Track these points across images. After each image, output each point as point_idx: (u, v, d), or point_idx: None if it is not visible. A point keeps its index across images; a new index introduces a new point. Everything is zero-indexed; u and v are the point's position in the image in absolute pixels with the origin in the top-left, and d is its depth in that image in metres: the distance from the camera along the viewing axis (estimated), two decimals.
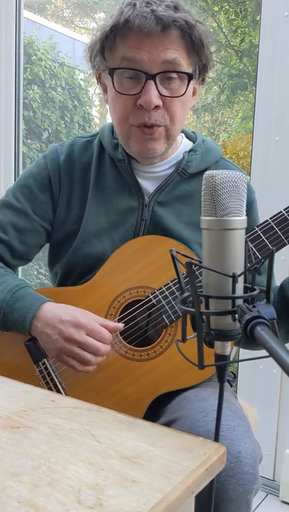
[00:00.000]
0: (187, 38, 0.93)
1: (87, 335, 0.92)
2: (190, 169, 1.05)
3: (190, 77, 0.97)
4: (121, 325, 0.98)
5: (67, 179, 1.08)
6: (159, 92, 0.94)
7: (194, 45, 0.95)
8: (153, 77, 0.93)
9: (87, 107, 4.70)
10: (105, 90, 1.05)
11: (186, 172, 1.05)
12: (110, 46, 0.95)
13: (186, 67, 0.96)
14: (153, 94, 0.93)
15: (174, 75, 0.95)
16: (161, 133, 0.98)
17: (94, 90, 5.08)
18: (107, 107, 1.06)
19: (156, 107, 0.94)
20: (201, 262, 0.60)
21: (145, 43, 0.91)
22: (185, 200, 1.06)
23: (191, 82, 0.98)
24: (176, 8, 0.92)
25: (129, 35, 0.92)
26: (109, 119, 1.09)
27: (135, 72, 0.93)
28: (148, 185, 1.06)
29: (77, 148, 1.10)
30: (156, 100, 0.93)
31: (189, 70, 0.97)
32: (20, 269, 2.60)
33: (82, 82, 4.60)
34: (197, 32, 0.93)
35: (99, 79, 1.05)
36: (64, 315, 0.93)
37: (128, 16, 0.90)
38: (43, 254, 1.17)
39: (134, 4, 0.91)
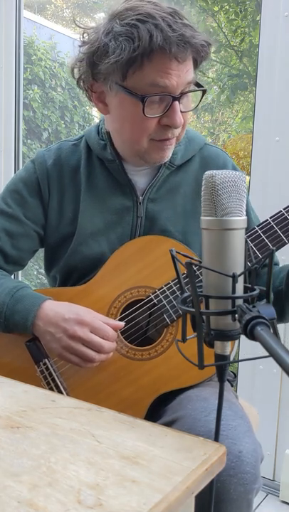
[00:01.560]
0: (198, 57, 0.95)
1: (91, 332, 0.92)
2: (176, 161, 1.07)
3: (204, 92, 1.00)
4: (122, 323, 0.98)
5: (57, 183, 1.08)
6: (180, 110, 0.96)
7: (202, 61, 0.97)
8: (178, 98, 0.94)
9: (87, 107, 4.69)
10: (98, 99, 1.02)
11: (173, 164, 1.07)
12: (135, 69, 0.92)
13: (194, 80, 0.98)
14: (180, 114, 0.95)
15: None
16: (174, 141, 1.00)
17: None
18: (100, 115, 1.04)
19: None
20: (200, 262, 0.60)
21: (174, 68, 0.92)
22: (177, 190, 1.07)
23: None
24: (189, 24, 0.92)
25: (160, 60, 0.90)
26: None
27: (162, 95, 0.94)
28: (140, 182, 1.07)
29: (65, 152, 1.10)
30: (182, 119, 0.96)
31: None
32: None
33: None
34: (210, 51, 0.97)
35: (91, 87, 1.01)
36: (67, 313, 0.94)
37: (161, 41, 0.88)
38: (43, 254, 1.17)
39: (157, 25, 0.88)
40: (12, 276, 1.13)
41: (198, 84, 0.99)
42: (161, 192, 1.07)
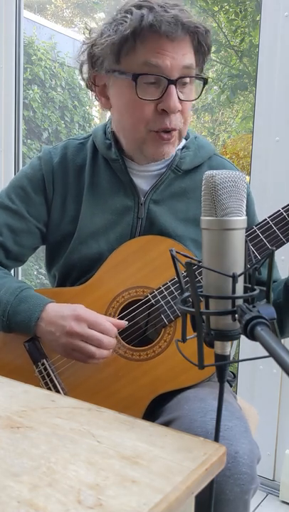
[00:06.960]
0: (197, 43, 0.95)
1: (88, 328, 0.92)
2: (183, 166, 1.06)
3: (206, 81, 0.99)
4: (124, 322, 0.97)
5: (61, 181, 1.08)
6: (178, 96, 0.95)
7: (203, 50, 0.97)
8: (174, 82, 0.93)
9: (87, 107, 4.69)
10: (101, 93, 1.03)
11: (180, 169, 1.06)
12: (128, 49, 0.93)
13: (196, 71, 0.98)
14: (176, 99, 0.94)
15: (187, 80, 0.96)
16: (175, 137, 0.99)
17: None
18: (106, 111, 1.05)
19: (178, 111, 0.96)
20: (200, 262, 0.60)
21: (168, 49, 0.92)
22: (180, 196, 1.06)
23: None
24: (187, 11, 0.93)
25: (151, 40, 0.91)
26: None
27: (157, 77, 0.93)
28: (143, 184, 1.06)
29: (71, 150, 1.10)
30: (179, 105, 0.95)
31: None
32: (20, 269, 2.60)
33: (82, 82, 4.59)
34: (208, 38, 0.96)
35: (93, 81, 1.03)
36: (66, 311, 0.94)
37: (152, 20, 0.89)
38: (44, 254, 1.17)
39: (151, 8, 0.90)
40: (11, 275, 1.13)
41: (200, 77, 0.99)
42: (165, 195, 1.06)
